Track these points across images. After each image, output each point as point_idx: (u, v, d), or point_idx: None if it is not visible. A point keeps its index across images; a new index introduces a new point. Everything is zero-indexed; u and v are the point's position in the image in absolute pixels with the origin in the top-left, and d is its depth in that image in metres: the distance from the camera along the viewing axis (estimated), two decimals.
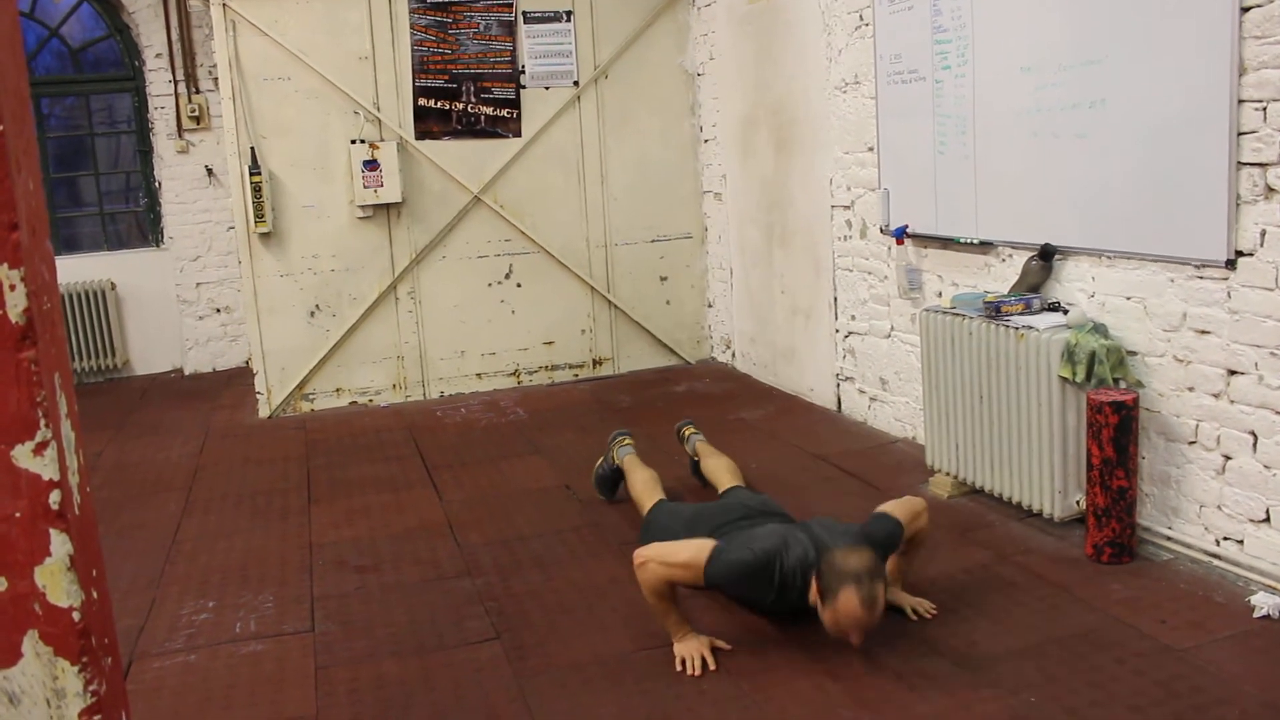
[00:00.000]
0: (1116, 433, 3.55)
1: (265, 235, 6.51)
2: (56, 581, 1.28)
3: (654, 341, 7.33)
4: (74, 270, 7.83)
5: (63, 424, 1.31)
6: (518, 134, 6.88)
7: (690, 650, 3.17)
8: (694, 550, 3.17)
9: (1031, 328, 3.85)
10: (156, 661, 3.41)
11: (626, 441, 4.54)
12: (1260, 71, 3.18)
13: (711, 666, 3.13)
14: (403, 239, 6.75)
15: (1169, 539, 3.69)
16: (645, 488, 4.15)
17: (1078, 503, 3.81)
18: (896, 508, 3.37)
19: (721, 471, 4.30)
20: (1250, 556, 3.41)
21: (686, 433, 4.75)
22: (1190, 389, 3.56)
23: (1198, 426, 3.56)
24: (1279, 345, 3.25)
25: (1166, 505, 3.71)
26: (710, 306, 7.40)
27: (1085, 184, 3.88)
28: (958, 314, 4.20)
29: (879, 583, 2.97)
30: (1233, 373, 3.40)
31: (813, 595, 3.07)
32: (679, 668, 3.14)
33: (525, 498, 4.80)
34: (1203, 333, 3.49)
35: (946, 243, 4.73)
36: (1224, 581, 3.44)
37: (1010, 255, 4.35)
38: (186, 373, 8.24)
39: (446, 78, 6.71)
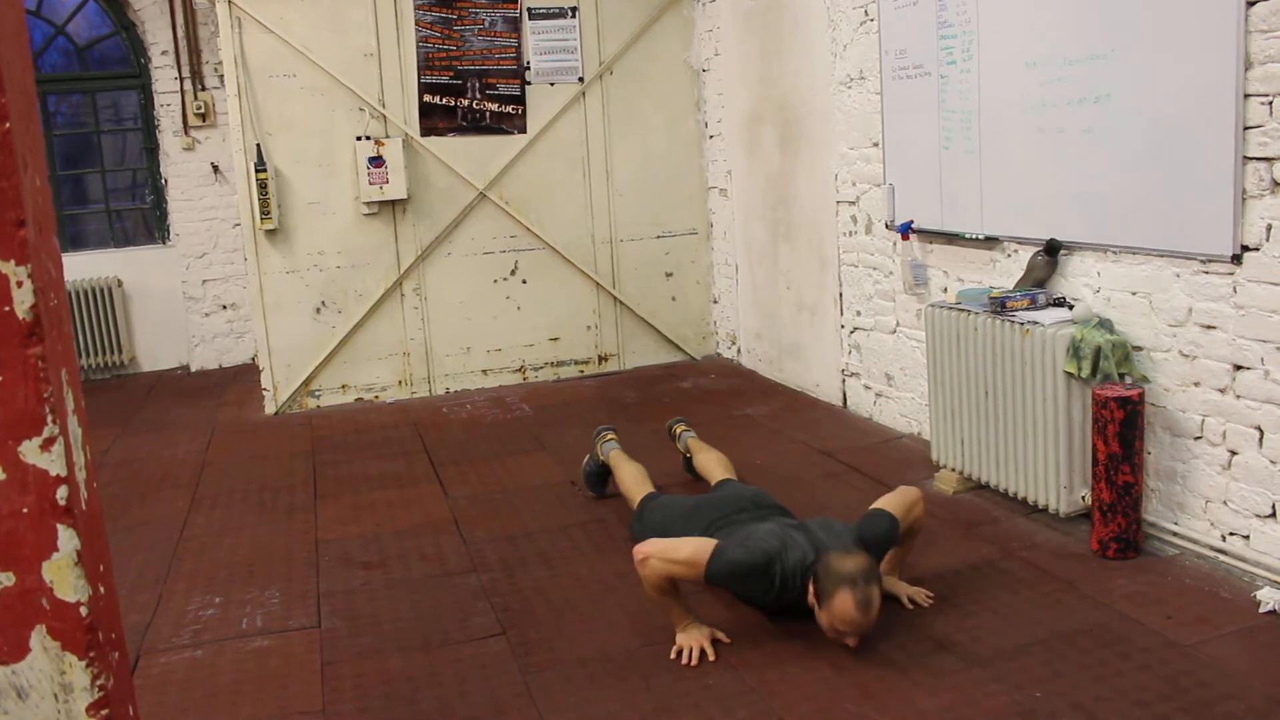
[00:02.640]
0: (1122, 428, 3.54)
1: (271, 232, 6.52)
2: (64, 576, 1.29)
3: (659, 337, 7.33)
4: (81, 267, 7.85)
5: (70, 420, 1.32)
6: (523, 130, 6.88)
7: (690, 641, 3.20)
8: (695, 548, 3.19)
9: (1037, 323, 3.84)
10: (163, 657, 3.42)
11: (610, 437, 4.56)
12: (1266, 65, 3.17)
13: (711, 658, 3.14)
14: (408, 235, 6.75)
15: (1175, 534, 3.68)
16: (634, 481, 4.16)
17: (1083, 498, 3.80)
18: (892, 502, 3.40)
19: (713, 465, 4.32)
20: (1256, 552, 3.40)
21: (678, 430, 4.77)
22: (1196, 384, 3.56)
23: (1203, 422, 3.55)
24: None
25: (1172, 500, 3.71)
26: (716, 302, 7.40)
27: (1091, 179, 3.88)
28: (963, 309, 4.20)
29: (874, 585, 3.01)
30: (1239, 368, 3.40)
31: (810, 597, 3.12)
32: (673, 656, 3.15)
33: (531, 493, 4.80)
34: (1208, 328, 3.48)
35: (952, 238, 4.72)
36: (1230, 577, 3.43)
37: (1016, 250, 4.35)
38: (193, 369, 8.26)
39: (451, 74, 6.71)
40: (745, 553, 3.18)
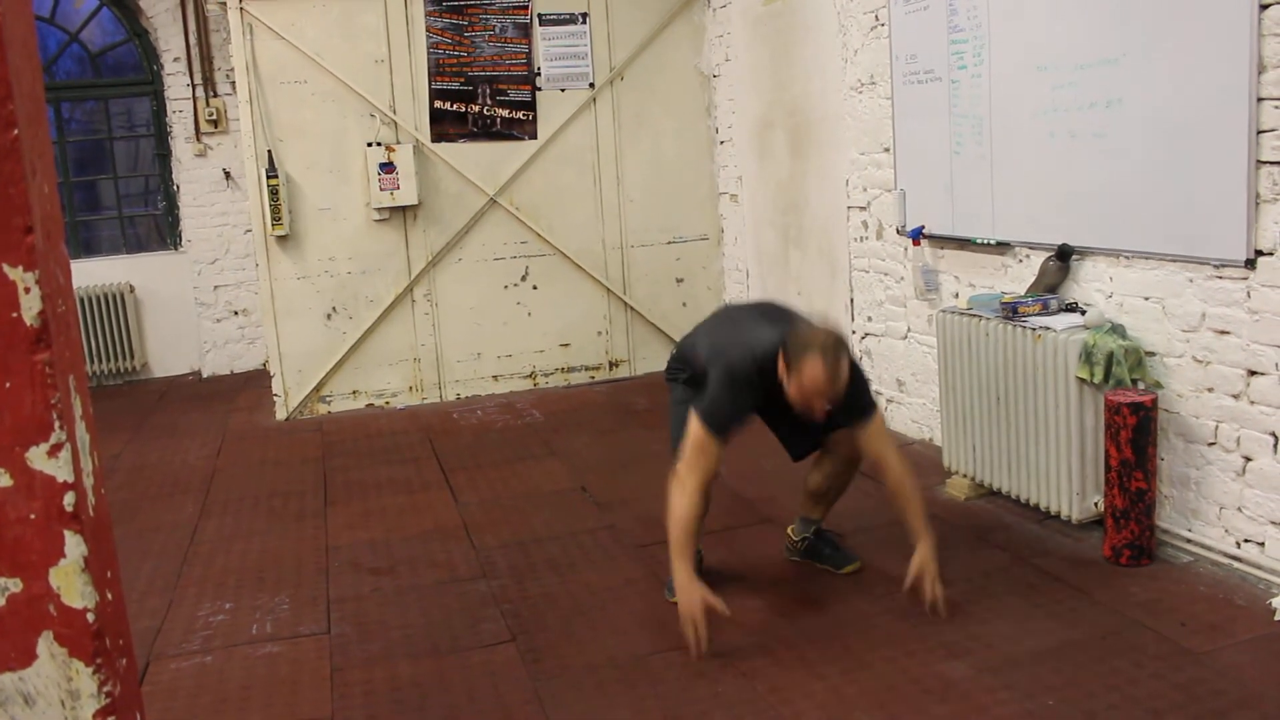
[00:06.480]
0: (1135, 434, 3.52)
1: (282, 238, 6.54)
2: (71, 583, 1.29)
3: (670, 343, 7.31)
4: (93, 273, 7.88)
5: (77, 426, 1.32)
6: (534, 136, 6.89)
7: (687, 606, 3.17)
8: (690, 434, 3.31)
9: (1049, 329, 3.82)
10: (173, 662, 3.42)
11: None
12: None
13: (702, 633, 3.14)
14: (419, 241, 6.76)
15: (1188, 541, 3.66)
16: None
17: (1096, 504, 3.78)
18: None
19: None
20: (1271, 559, 3.38)
21: None
22: (1209, 390, 3.53)
23: (1217, 428, 3.53)
24: None
25: (1186, 507, 3.68)
26: None
27: (1103, 184, 3.86)
28: (975, 315, 4.18)
29: (843, 354, 3.14)
30: (1253, 373, 3.37)
31: (781, 370, 3.20)
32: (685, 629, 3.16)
33: (541, 500, 4.80)
34: (1222, 333, 3.46)
35: (963, 243, 4.70)
36: (1244, 584, 3.40)
37: (1027, 256, 4.33)
38: (204, 375, 8.28)
39: (462, 80, 6.72)
40: (716, 386, 3.31)
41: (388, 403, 6.85)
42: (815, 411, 3.23)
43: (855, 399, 3.35)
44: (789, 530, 3.92)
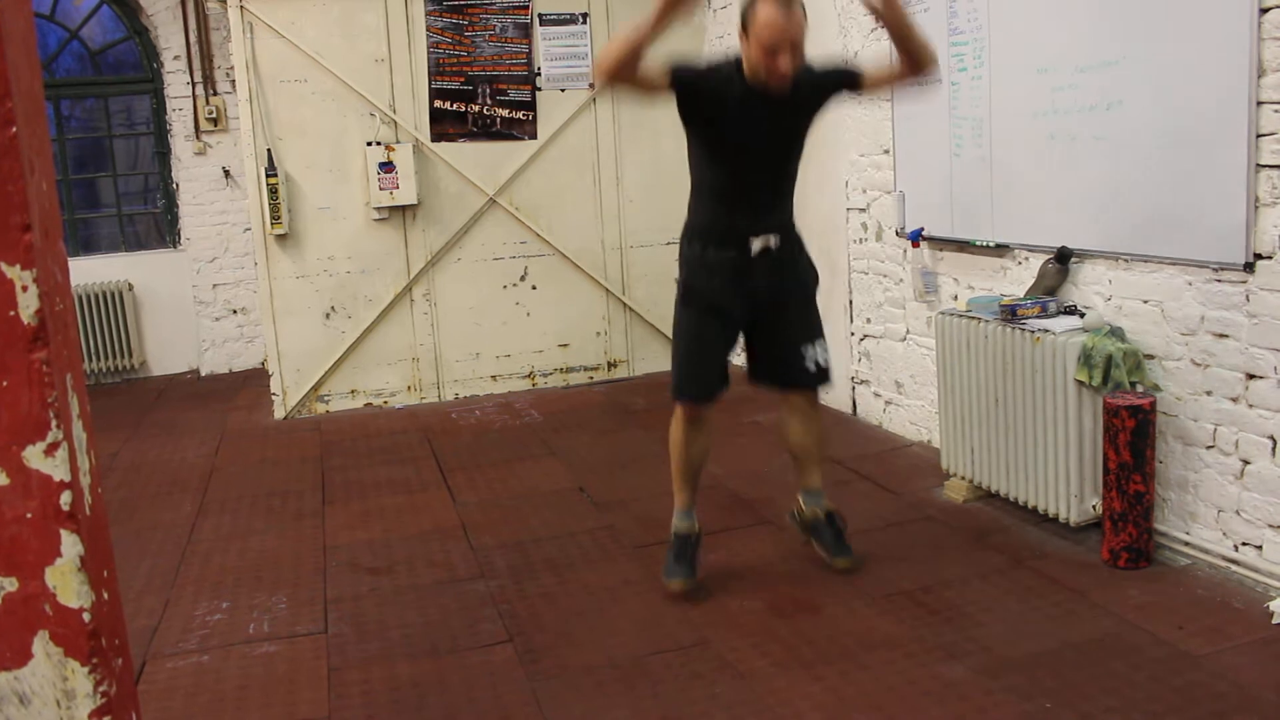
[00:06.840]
0: (1133, 437, 3.52)
1: (281, 237, 6.53)
2: (67, 582, 1.29)
3: (669, 344, 7.30)
4: (92, 271, 7.87)
5: (74, 425, 1.32)
6: (533, 136, 6.88)
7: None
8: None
9: (1048, 331, 3.82)
10: (170, 662, 3.42)
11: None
12: (1279, 73, 3.15)
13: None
14: (418, 241, 6.76)
15: (1186, 544, 3.66)
16: None
17: (1094, 507, 3.78)
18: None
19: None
20: (1269, 562, 3.38)
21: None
22: (1208, 393, 3.53)
23: (1216, 431, 3.53)
24: None
25: (1184, 510, 3.68)
26: None
27: (1102, 186, 3.86)
28: (973, 317, 4.18)
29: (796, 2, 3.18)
30: (1251, 376, 3.37)
31: (743, 47, 3.35)
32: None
33: (539, 500, 4.79)
34: (1221, 336, 3.46)
35: (962, 245, 4.70)
36: (1242, 587, 3.40)
37: (1026, 258, 4.33)
38: (203, 374, 8.28)
39: (462, 80, 6.72)
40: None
41: (386, 402, 6.85)
42: (780, 64, 3.26)
43: (839, 67, 3.64)
44: (798, 497, 3.89)
